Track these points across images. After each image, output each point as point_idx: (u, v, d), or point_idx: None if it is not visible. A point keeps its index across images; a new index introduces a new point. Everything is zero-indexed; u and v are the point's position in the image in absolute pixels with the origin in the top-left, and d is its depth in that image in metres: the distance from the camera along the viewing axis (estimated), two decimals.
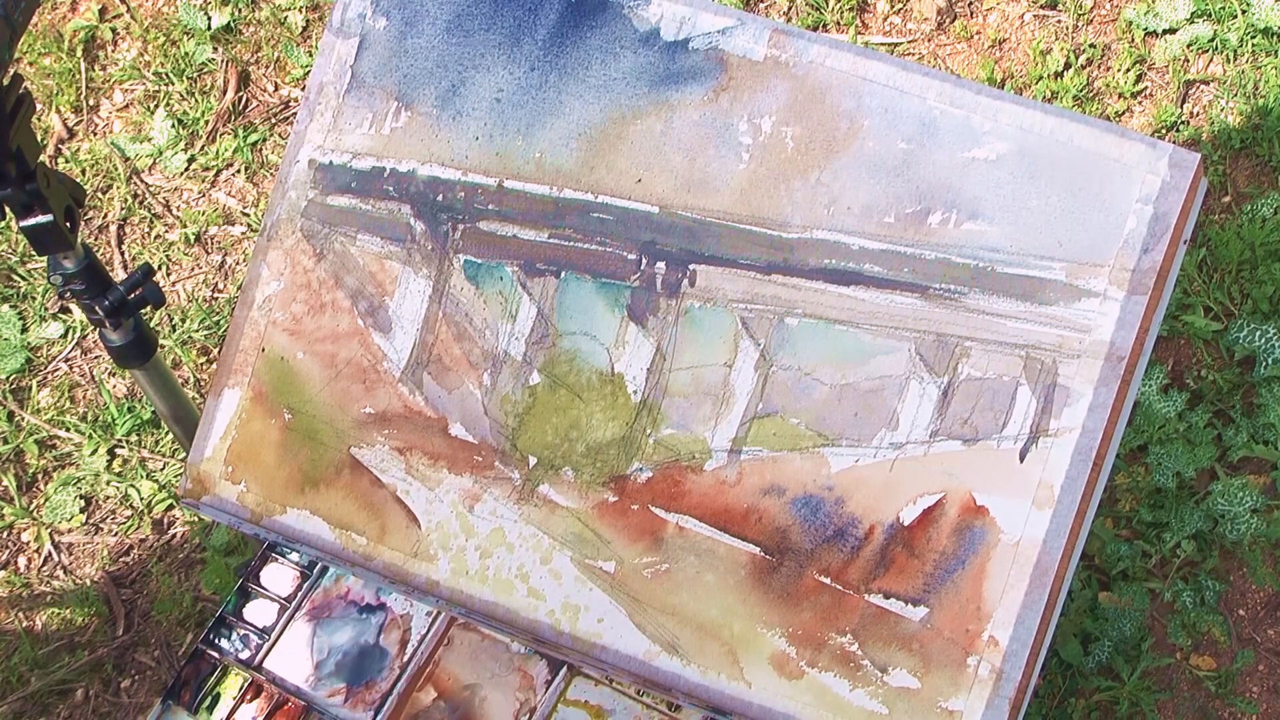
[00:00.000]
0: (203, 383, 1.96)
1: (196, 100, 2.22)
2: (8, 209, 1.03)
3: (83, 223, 2.14)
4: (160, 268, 2.08)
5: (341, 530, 0.85)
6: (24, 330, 2.05)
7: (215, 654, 0.97)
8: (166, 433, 1.93)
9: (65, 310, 2.07)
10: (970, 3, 2.14)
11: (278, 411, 0.87)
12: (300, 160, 0.87)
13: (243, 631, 0.98)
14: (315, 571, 0.99)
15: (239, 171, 2.16)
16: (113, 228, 2.14)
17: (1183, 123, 1.97)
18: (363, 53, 0.86)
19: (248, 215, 2.13)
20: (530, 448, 0.81)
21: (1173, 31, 2.03)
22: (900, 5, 2.15)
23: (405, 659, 0.95)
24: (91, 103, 2.26)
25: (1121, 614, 1.62)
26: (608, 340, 0.80)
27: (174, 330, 2.03)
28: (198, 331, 2.02)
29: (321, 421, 0.86)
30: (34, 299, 2.08)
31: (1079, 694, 1.61)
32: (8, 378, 2.01)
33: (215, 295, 2.07)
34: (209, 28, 2.27)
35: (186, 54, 2.26)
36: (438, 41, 0.84)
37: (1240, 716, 1.60)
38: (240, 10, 2.29)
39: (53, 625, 1.83)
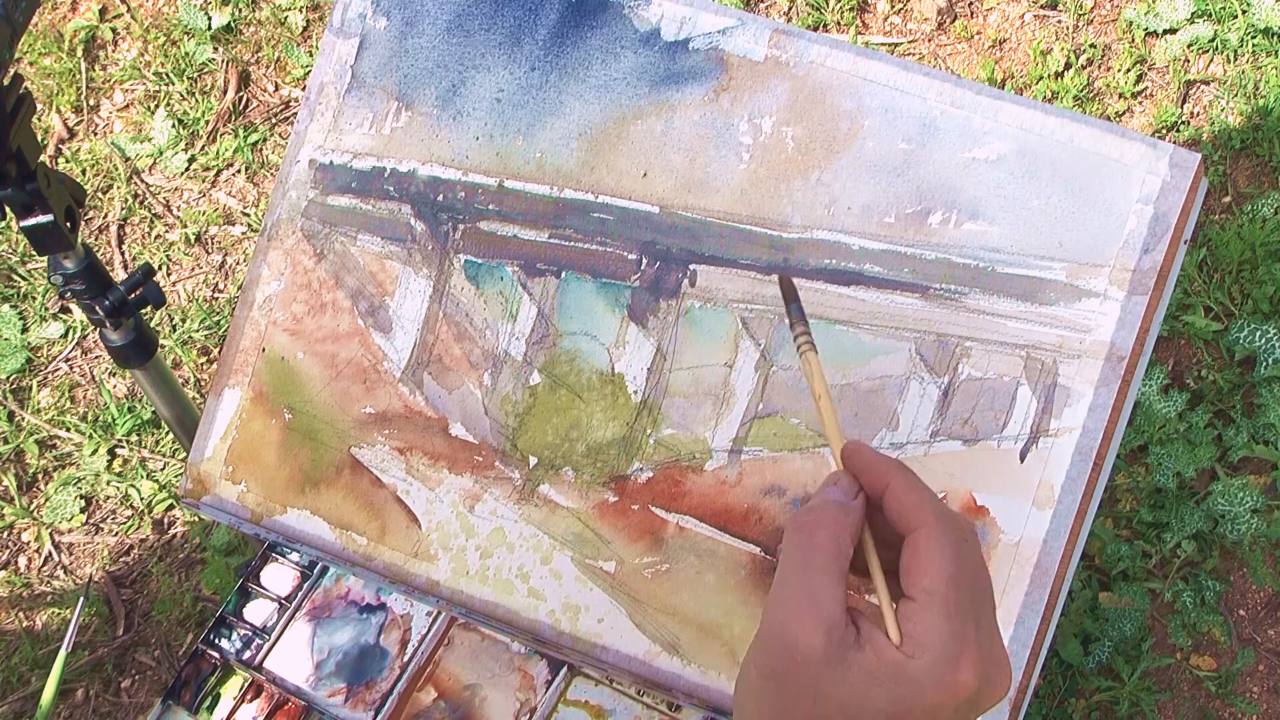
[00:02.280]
0: (203, 383, 1.96)
1: (197, 100, 2.22)
2: (8, 209, 1.03)
3: (83, 223, 2.14)
4: (160, 268, 2.08)
5: (342, 530, 0.85)
6: (24, 330, 2.05)
7: (215, 654, 0.97)
8: (166, 433, 1.93)
9: (65, 310, 2.07)
10: (970, 3, 2.14)
11: (278, 411, 0.87)
12: (300, 160, 0.87)
13: (243, 631, 0.98)
14: (315, 571, 0.99)
15: (239, 171, 2.16)
16: (113, 228, 2.13)
17: (1183, 123, 1.97)
18: (363, 53, 0.86)
19: (248, 215, 2.13)
20: (530, 448, 0.81)
21: (1173, 31, 2.03)
22: (900, 5, 2.15)
23: (405, 659, 0.95)
24: (92, 103, 2.26)
25: (1121, 614, 1.62)
26: (608, 340, 0.80)
27: (174, 330, 2.03)
28: (198, 331, 2.02)
29: (322, 421, 0.86)
30: (34, 299, 2.08)
31: (1079, 694, 1.61)
32: (8, 378, 2.01)
33: (215, 295, 2.07)
34: (209, 28, 2.27)
35: (187, 54, 2.26)
36: (438, 41, 0.84)
37: (1240, 717, 1.59)
38: (240, 10, 2.29)
39: (53, 625, 1.83)
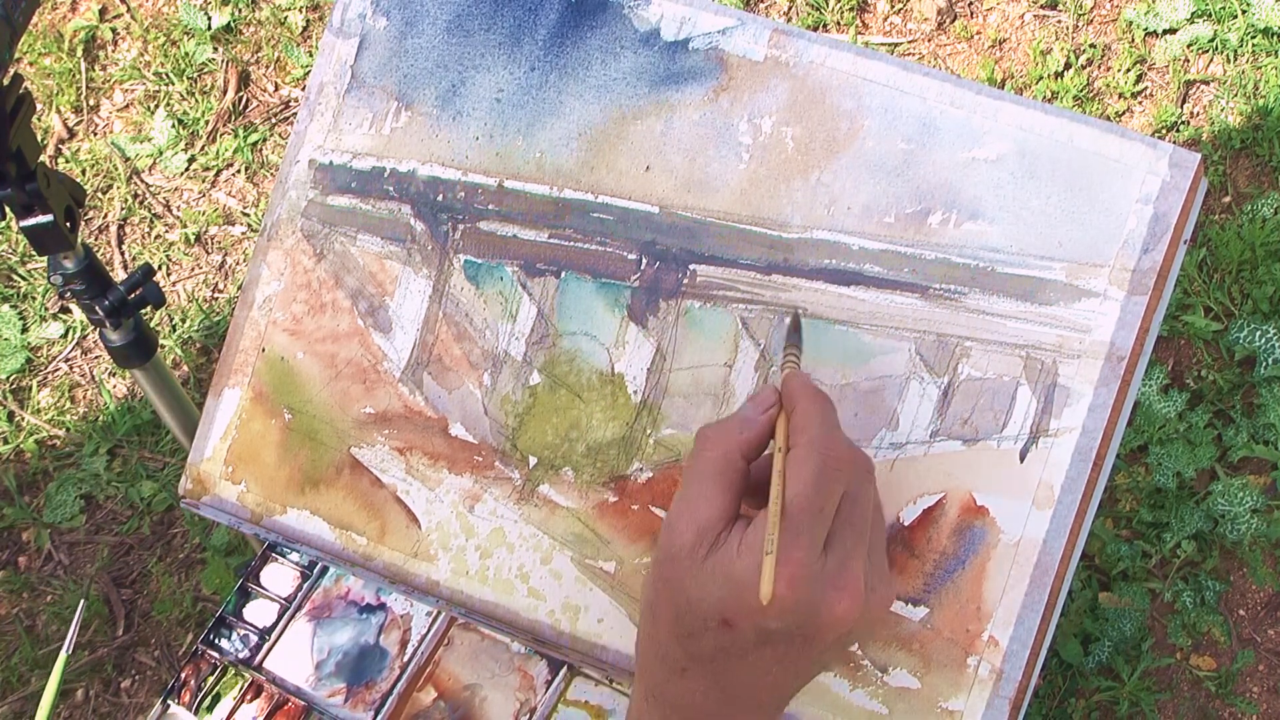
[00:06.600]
0: (203, 383, 1.96)
1: (196, 100, 2.22)
2: (8, 209, 1.03)
3: (83, 223, 2.14)
4: (160, 268, 2.09)
5: (342, 530, 0.85)
6: (24, 330, 2.05)
7: (215, 654, 0.97)
8: (166, 433, 1.93)
9: (65, 310, 2.07)
10: (970, 3, 2.14)
11: (278, 411, 0.87)
12: (300, 160, 0.87)
13: (243, 631, 0.98)
14: (315, 571, 0.99)
15: (239, 171, 2.16)
16: (113, 228, 2.14)
17: (1183, 123, 1.97)
18: (363, 53, 0.86)
19: (248, 215, 2.13)
20: (530, 448, 0.81)
21: (1173, 31, 2.03)
22: (900, 5, 2.15)
23: (405, 659, 0.95)
24: (91, 103, 2.26)
25: (1121, 614, 1.62)
26: (608, 340, 0.80)
27: (174, 330, 2.03)
28: (198, 331, 2.02)
29: (321, 421, 0.86)
30: (34, 299, 2.08)
31: (1079, 694, 1.61)
32: (8, 378, 2.01)
33: (215, 295, 2.07)
34: (209, 28, 2.27)
35: (187, 54, 2.26)
36: (438, 41, 0.84)
37: (1240, 716, 1.60)
38: (240, 10, 2.29)
39: (53, 625, 1.83)
